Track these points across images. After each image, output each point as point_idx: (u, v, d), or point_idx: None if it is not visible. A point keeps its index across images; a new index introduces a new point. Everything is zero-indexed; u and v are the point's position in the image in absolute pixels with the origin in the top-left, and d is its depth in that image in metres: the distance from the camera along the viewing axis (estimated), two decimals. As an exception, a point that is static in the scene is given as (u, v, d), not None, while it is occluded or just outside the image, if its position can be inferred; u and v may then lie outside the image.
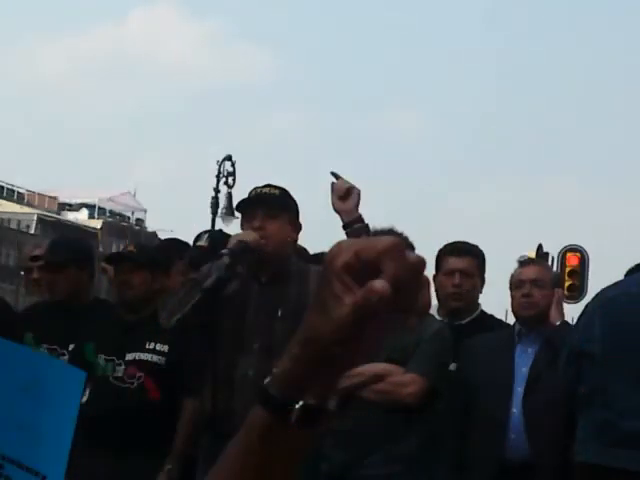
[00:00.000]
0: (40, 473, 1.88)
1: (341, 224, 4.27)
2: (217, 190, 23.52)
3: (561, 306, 4.74)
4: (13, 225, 61.41)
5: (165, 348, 4.70)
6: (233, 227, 17.99)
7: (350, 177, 4.32)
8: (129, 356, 4.72)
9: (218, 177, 23.49)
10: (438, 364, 4.38)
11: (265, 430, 1.08)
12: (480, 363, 4.56)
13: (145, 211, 73.89)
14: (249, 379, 4.05)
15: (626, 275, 3.92)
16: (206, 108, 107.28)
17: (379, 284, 1.02)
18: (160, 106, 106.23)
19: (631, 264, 3.93)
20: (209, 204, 23.49)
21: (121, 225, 69.50)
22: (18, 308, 6.80)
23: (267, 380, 1.09)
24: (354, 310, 1.03)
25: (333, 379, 1.08)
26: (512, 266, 4.76)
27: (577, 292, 14.72)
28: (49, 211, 68.25)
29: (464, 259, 4.99)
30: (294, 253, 4.42)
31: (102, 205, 71.65)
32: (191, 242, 5.37)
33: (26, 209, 65.68)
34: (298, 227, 4.33)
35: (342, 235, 4.22)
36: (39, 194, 69.64)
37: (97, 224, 67.09)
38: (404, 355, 4.25)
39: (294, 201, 4.31)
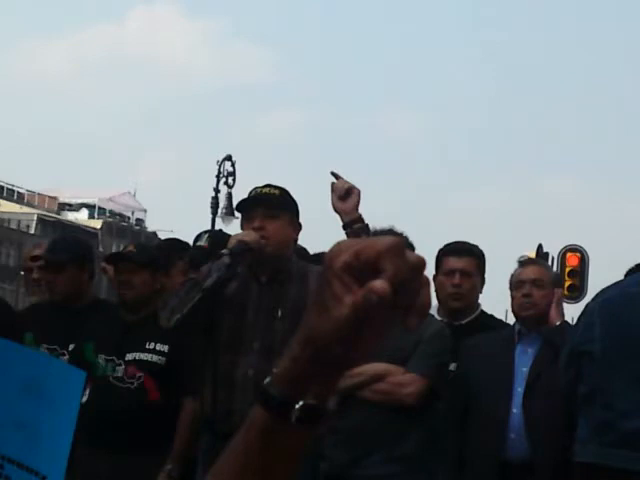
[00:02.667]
0: (40, 473, 1.88)
1: (341, 224, 4.27)
2: (217, 190, 23.49)
3: (561, 306, 4.73)
4: (13, 225, 61.39)
5: (165, 348, 4.70)
6: (233, 227, 18.02)
7: (350, 177, 4.33)
8: (129, 356, 4.71)
9: (218, 177, 23.47)
10: (438, 364, 4.37)
11: (265, 430, 1.08)
12: (480, 363, 4.56)
13: (145, 211, 73.92)
14: (249, 379, 4.05)
15: (626, 275, 3.92)
16: (206, 108, 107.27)
17: (379, 284, 1.02)
18: (160, 106, 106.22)
19: (631, 264, 3.93)
20: (209, 204, 23.47)
21: (121, 225, 69.52)
22: (18, 308, 6.79)
23: (267, 380, 1.09)
24: (354, 310, 1.03)
25: (333, 379, 1.08)
26: (512, 266, 4.77)
27: (577, 292, 14.71)
28: (49, 211, 68.22)
29: (464, 259, 4.98)
30: (294, 253, 4.41)
31: (102, 205, 71.63)
32: (191, 242, 5.38)
33: (26, 209, 65.65)
34: (298, 227, 4.32)
35: (342, 235, 4.22)
36: (39, 194, 69.62)
37: (97, 224, 67.09)
38: (404, 355, 4.25)
39: (294, 201, 4.31)
